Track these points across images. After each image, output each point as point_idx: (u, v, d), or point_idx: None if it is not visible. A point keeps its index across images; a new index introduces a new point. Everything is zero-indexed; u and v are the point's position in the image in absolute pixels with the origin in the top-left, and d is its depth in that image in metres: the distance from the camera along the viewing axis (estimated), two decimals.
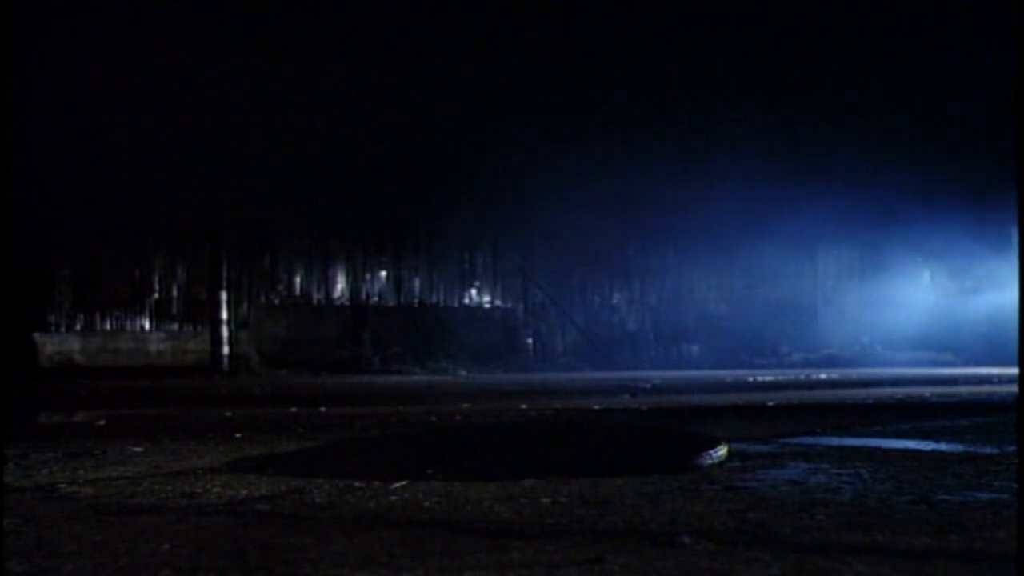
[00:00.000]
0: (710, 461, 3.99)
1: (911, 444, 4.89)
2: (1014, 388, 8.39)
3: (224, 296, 18.08)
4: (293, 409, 8.00)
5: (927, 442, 4.98)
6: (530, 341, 20.42)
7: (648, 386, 11.98)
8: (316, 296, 19.05)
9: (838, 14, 18.93)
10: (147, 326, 17.94)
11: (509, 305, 20.43)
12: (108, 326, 17.78)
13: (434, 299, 19.85)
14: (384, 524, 2.76)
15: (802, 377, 15.02)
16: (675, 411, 7.75)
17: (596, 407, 8.22)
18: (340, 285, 19.22)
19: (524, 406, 8.18)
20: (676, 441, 4.59)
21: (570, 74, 18.79)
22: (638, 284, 21.58)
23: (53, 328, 17.51)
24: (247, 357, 17.75)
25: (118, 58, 16.03)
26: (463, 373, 17.16)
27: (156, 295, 18.06)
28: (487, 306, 20.29)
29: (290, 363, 17.41)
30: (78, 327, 17.64)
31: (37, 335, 17.25)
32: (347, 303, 19.18)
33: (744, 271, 21.68)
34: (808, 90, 19.41)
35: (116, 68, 16.12)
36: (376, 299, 19.44)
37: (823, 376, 15.32)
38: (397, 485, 3.45)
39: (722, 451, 4.13)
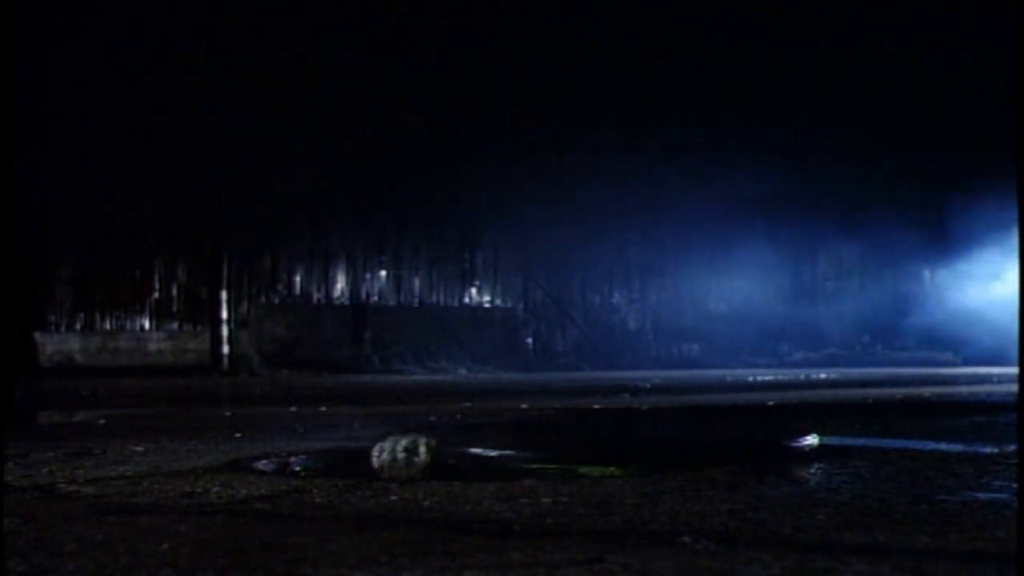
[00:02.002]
0: (805, 448, 4.45)
1: (911, 444, 4.89)
2: (1014, 388, 8.39)
3: (224, 296, 18.07)
4: (293, 409, 8.00)
5: (927, 442, 4.98)
6: (530, 341, 20.42)
7: (648, 386, 11.98)
8: (316, 296, 19.04)
9: (840, 14, 18.93)
10: (147, 326, 17.93)
11: (509, 305, 20.43)
12: (108, 326, 17.77)
13: (434, 299, 19.85)
14: (384, 524, 2.76)
15: (802, 377, 15.03)
16: (676, 411, 7.75)
17: (597, 406, 8.22)
18: (340, 285, 19.21)
19: (524, 405, 8.18)
20: (771, 432, 4.97)
21: (570, 74, 18.79)
22: (638, 284, 21.57)
23: (53, 328, 17.50)
24: (247, 357, 17.74)
25: (118, 57, 16.03)
26: (463, 373, 17.16)
27: (156, 295, 18.05)
28: (487, 306, 20.29)
29: (290, 363, 17.41)
30: (78, 327, 17.63)
31: (37, 335, 17.24)
32: (347, 303, 19.18)
33: (744, 271, 21.67)
34: (810, 88, 19.41)
35: (116, 68, 16.12)
36: (376, 299, 19.44)
37: (823, 376, 15.33)
38: (397, 485, 3.45)
39: (813, 440, 4.52)
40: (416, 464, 3.60)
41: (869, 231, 21.07)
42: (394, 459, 3.60)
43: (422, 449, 3.63)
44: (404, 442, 3.65)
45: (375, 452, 3.70)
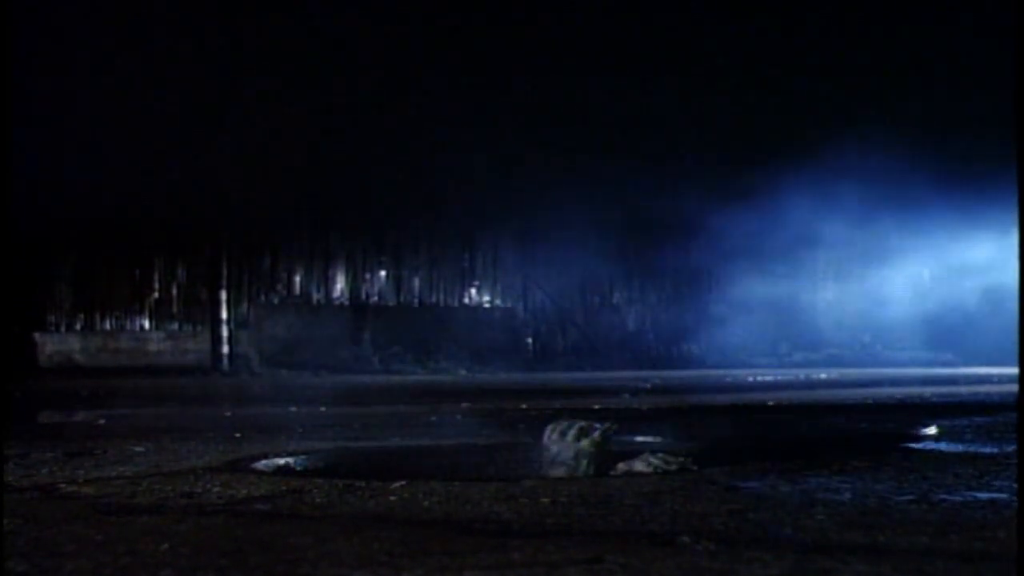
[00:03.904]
0: (926, 437, 4.95)
1: (911, 444, 4.89)
2: (1014, 388, 8.39)
3: (224, 296, 18.07)
4: (293, 409, 8.00)
5: (927, 442, 4.99)
6: (530, 341, 20.42)
7: (648, 386, 11.98)
8: (316, 296, 19.04)
9: (839, 10, 18.94)
10: (147, 326, 17.94)
11: (509, 305, 20.43)
12: (108, 326, 17.77)
13: (434, 299, 19.85)
14: (384, 524, 2.76)
15: (802, 377, 15.03)
16: (675, 410, 7.75)
17: (596, 407, 8.22)
18: (340, 285, 19.21)
19: (524, 406, 8.18)
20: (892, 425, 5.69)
21: (570, 74, 18.79)
22: (638, 284, 21.56)
23: (53, 328, 17.50)
24: (247, 357, 17.74)
25: (118, 57, 16.04)
26: (463, 373, 17.16)
27: (156, 295, 18.06)
28: (487, 306, 20.29)
29: (290, 363, 17.41)
30: (78, 327, 17.63)
31: (37, 335, 17.25)
32: (347, 303, 19.17)
33: (744, 271, 21.66)
34: (807, 87, 19.42)
35: (116, 67, 16.12)
36: (376, 299, 19.44)
37: (823, 376, 15.33)
38: (396, 485, 3.45)
39: (932, 430, 5.03)
40: (583, 448, 3.69)
41: (868, 230, 21.07)
42: (563, 439, 3.69)
43: (596, 435, 3.72)
44: (581, 423, 3.75)
45: (547, 430, 3.82)
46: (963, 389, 10.69)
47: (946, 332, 20.61)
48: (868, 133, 18.63)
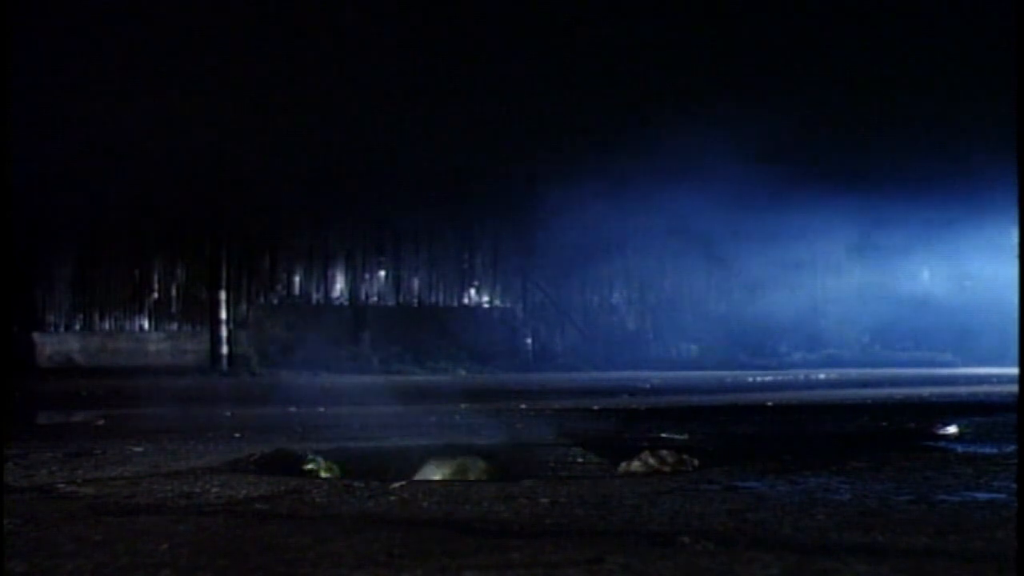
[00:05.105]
0: (947, 434, 5.26)
1: (911, 444, 4.89)
2: (1014, 388, 8.39)
3: (223, 296, 18.06)
4: (293, 409, 8.00)
5: (927, 442, 4.99)
6: (529, 341, 20.41)
7: (647, 386, 11.99)
8: (315, 296, 19.04)
9: (834, 14, 18.94)
10: (146, 326, 17.93)
11: (509, 305, 20.42)
12: (107, 326, 17.77)
13: (434, 299, 19.84)
14: (384, 524, 2.76)
15: (802, 377, 15.03)
16: (674, 411, 7.75)
17: (595, 407, 8.22)
18: (339, 285, 19.21)
19: (523, 406, 8.18)
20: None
21: (569, 74, 18.79)
22: (638, 284, 21.56)
23: (52, 328, 17.50)
24: (246, 357, 17.74)
25: (118, 58, 16.03)
26: (462, 373, 17.17)
27: (155, 295, 18.05)
28: (487, 306, 20.29)
29: (290, 363, 17.41)
30: (77, 327, 17.63)
31: (36, 335, 17.24)
32: (346, 303, 19.17)
33: (744, 271, 21.66)
34: (806, 87, 19.41)
35: (116, 68, 16.12)
36: (376, 299, 19.43)
37: (823, 376, 15.33)
38: (396, 485, 3.46)
39: (953, 428, 5.36)
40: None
41: (868, 229, 21.08)
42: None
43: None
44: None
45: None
46: (962, 389, 10.69)
47: (944, 332, 20.62)
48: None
